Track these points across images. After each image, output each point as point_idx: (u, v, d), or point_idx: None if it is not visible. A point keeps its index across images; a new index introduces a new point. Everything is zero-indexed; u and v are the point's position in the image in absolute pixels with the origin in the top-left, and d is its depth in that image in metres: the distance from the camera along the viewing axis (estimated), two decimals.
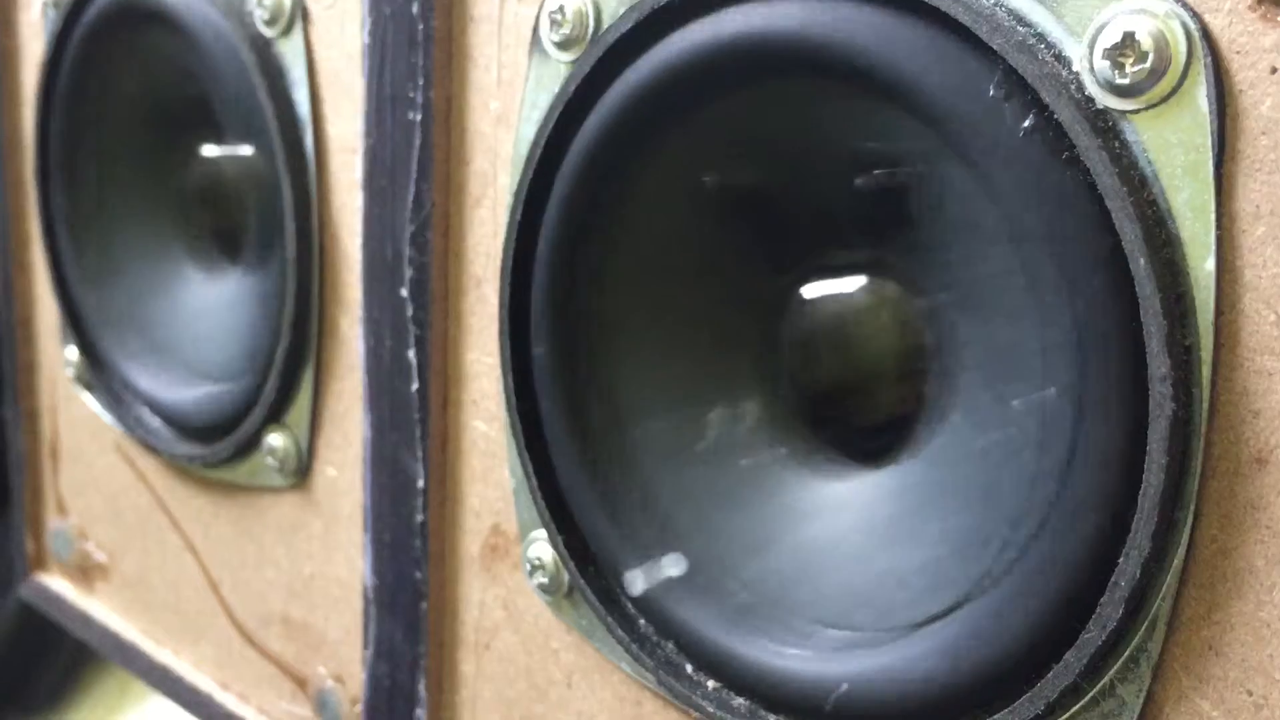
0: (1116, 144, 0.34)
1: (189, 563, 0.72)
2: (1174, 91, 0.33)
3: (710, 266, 0.46)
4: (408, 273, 0.54)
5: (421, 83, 0.52)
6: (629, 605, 0.49)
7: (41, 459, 0.82)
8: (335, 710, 0.64)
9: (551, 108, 0.47)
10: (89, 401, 0.75)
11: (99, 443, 0.77)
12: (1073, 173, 0.35)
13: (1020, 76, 0.35)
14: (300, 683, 0.66)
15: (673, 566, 0.47)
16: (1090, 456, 0.36)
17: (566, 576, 0.51)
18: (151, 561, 0.75)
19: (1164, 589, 0.35)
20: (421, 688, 0.58)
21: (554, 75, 0.47)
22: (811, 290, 0.45)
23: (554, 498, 0.50)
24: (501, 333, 0.50)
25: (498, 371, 0.52)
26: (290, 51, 0.58)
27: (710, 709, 0.46)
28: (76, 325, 0.73)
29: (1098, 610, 0.35)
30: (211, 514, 0.70)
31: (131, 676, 0.79)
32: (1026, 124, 0.35)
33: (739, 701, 0.46)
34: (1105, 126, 0.34)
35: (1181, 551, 0.35)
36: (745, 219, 0.45)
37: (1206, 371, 0.34)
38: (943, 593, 0.41)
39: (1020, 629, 0.38)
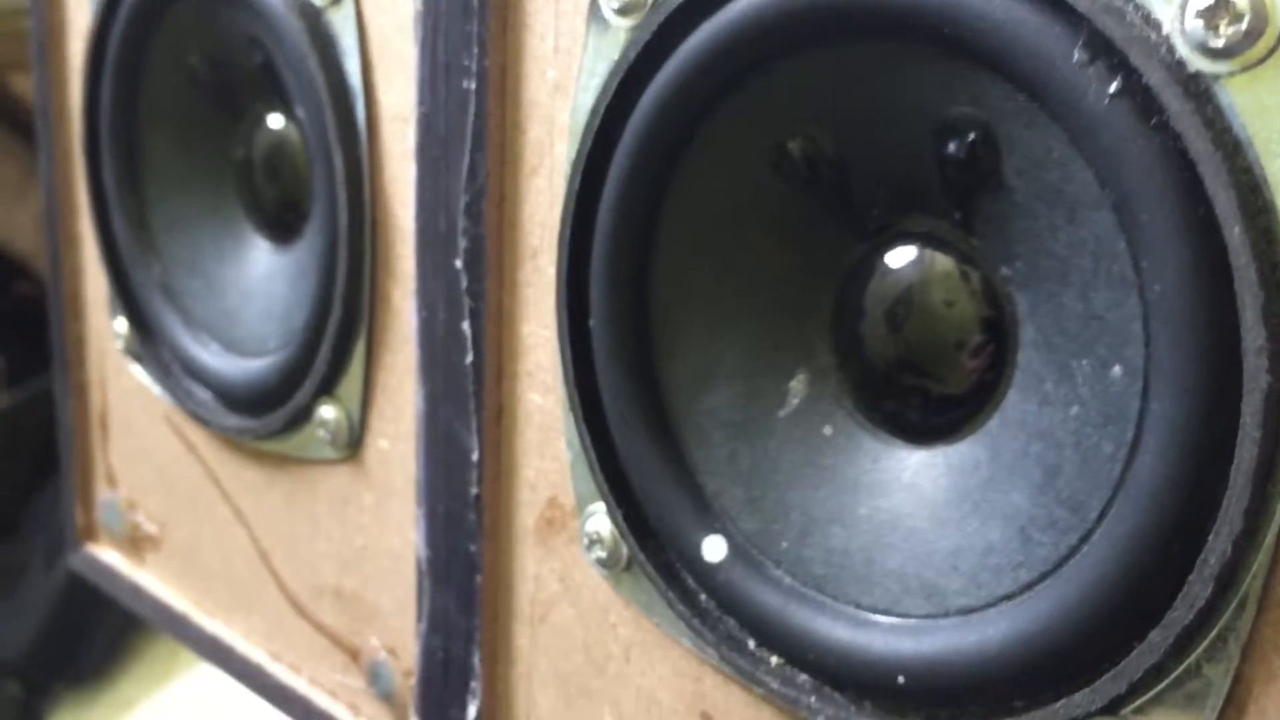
0: (1209, 108, 0.33)
1: (239, 534, 0.72)
2: (1271, 53, 0.32)
3: (778, 235, 0.45)
4: (462, 244, 0.53)
5: (476, 51, 0.51)
6: (689, 579, 0.48)
7: (91, 431, 0.82)
8: (389, 682, 0.64)
9: (611, 76, 0.46)
10: (138, 373, 0.75)
11: (148, 414, 0.77)
12: (1162, 139, 0.34)
13: (1107, 39, 0.34)
14: (353, 654, 0.66)
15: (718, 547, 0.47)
16: (1170, 431, 0.35)
17: (625, 550, 0.50)
18: (202, 533, 0.75)
19: (1255, 566, 0.34)
20: (476, 660, 0.58)
21: (613, 43, 0.46)
22: (886, 259, 0.43)
23: (613, 470, 0.49)
24: (559, 304, 0.49)
25: (554, 343, 0.52)
26: (340, 20, 0.57)
27: (774, 685, 0.45)
28: (126, 297, 0.73)
29: (1185, 588, 0.35)
30: (262, 486, 0.70)
31: (180, 646, 0.79)
32: (1113, 88, 0.34)
33: (803, 678, 0.45)
34: (1197, 90, 0.33)
35: (1274, 528, 0.34)
36: (818, 185, 0.44)
37: None
38: (1014, 572, 0.40)
39: (1096, 609, 0.37)
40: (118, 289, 0.73)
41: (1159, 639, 0.35)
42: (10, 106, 1.45)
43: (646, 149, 0.45)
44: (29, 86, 0.85)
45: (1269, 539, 0.34)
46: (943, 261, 0.43)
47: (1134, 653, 0.36)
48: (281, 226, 0.68)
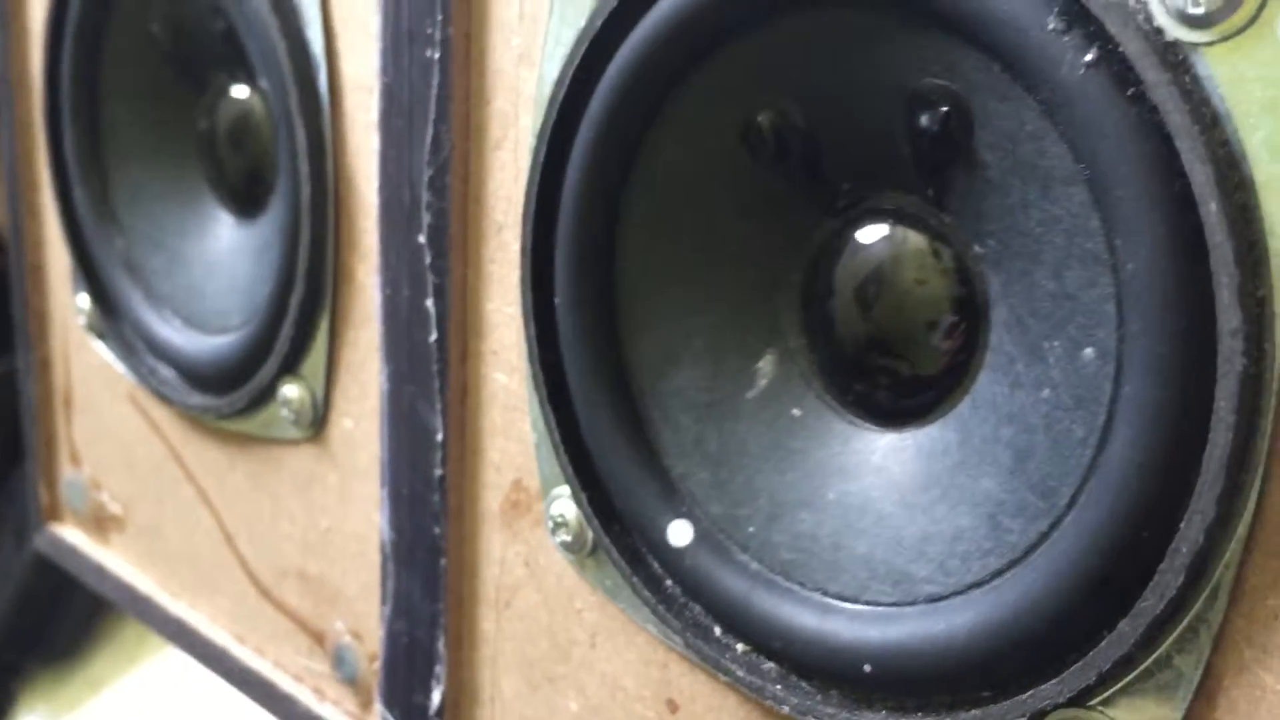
0: (1187, 79, 0.32)
1: (204, 515, 0.71)
2: (1251, 21, 0.31)
3: (747, 211, 0.44)
4: (425, 219, 0.52)
5: (440, 19, 0.49)
6: (655, 565, 0.47)
7: (54, 408, 0.81)
8: (353, 666, 0.63)
9: (577, 44, 0.44)
10: (101, 350, 0.74)
11: (112, 392, 0.76)
12: (1139, 110, 0.32)
13: (1082, 6, 0.33)
14: (317, 638, 0.65)
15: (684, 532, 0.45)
16: (1140, 417, 0.33)
17: (590, 534, 0.49)
18: (166, 513, 0.74)
19: (1228, 556, 0.33)
20: (441, 645, 0.56)
21: (579, 10, 0.45)
22: (857, 236, 0.42)
23: (578, 453, 0.48)
24: (523, 281, 0.48)
25: (519, 322, 0.50)
26: None
27: (740, 673, 0.44)
28: (88, 272, 0.72)
29: (1156, 577, 0.34)
30: (226, 466, 0.68)
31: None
32: (1089, 57, 0.33)
33: (769, 665, 0.44)
34: (1175, 60, 0.32)
35: (1248, 517, 0.33)
36: (787, 160, 0.42)
37: None
38: (983, 559, 0.39)
39: (1066, 597, 0.36)
40: (80, 264, 0.72)
41: (1129, 629, 0.34)
42: None
43: (612, 122, 0.44)
44: None
45: (1241, 528, 0.33)
46: (914, 239, 0.42)
47: (1103, 643, 0.35)
48: (245, 200, 0.67)
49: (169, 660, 1.28)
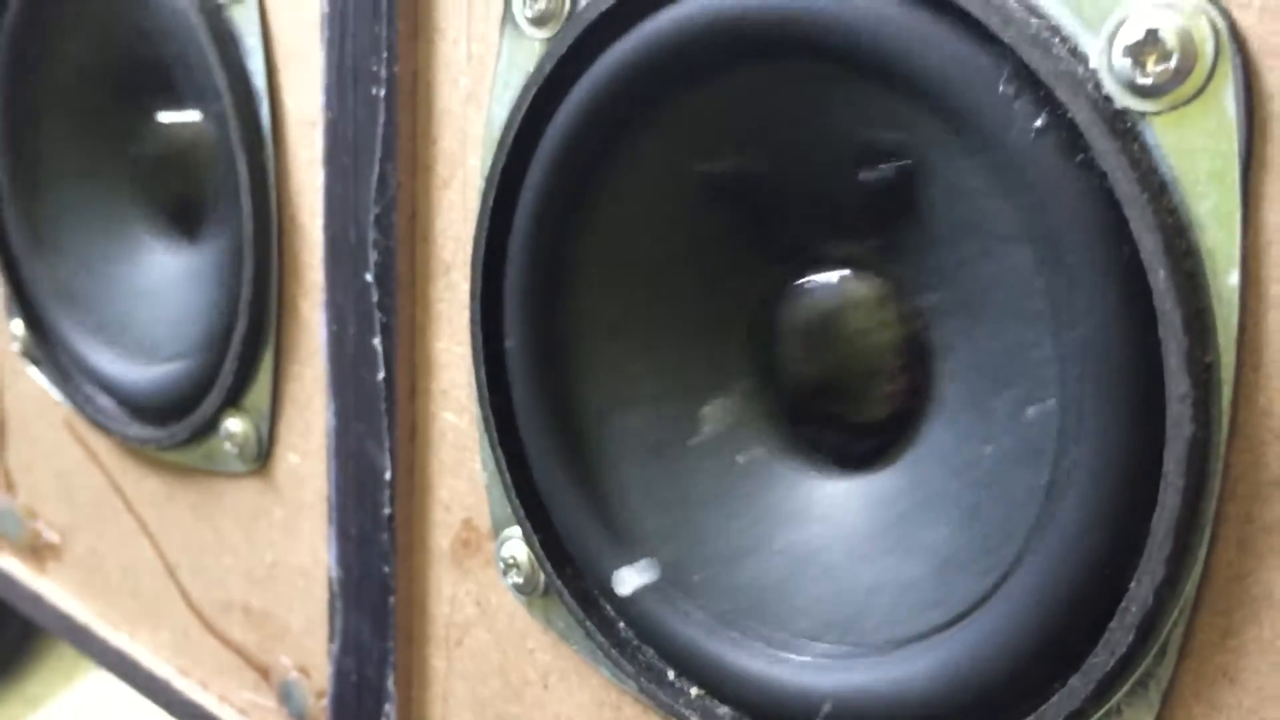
0: (1136, 147, 0.32)
1: (144, 546, 0.69)
2: (1199, 93, 0.31)
3: (696, 256, 0.44)
4: (372, 256, 0.51)
5: (385, 56, 0.49)
6: (608, 608, 0.47)
7: None
8: (301, 702, 0.62)
9: (526, 87, 0.44)
10: (36, 377, 0.72)
11: (47, 419, 0.74)
12: (1088, 176, 0.33)
13: (1033, 72, 0.33)
14: (263, 672, 0.64)
15: (647, 571, 0.45)
16: (1090, 476, 0.34)
17: (542, 576, 0.49)
18: (105, 543, 0.72)
19: (1176, 614, 0.34)
20: (390, 683, 0.56)
21: (528, 53, 0.45)
22: (807, 283, 0.42)
23: (529, 495, 0.48)
24: (473, 323, 0.47)
25: (468, 361, 0.50)
26: (243, 18, 0.54)
27: (693, 718, 0.44)
28: (21, 298, 0.70)
29: (1106, 635, 0.34)
30: (166, 497, 0.67)
31: None
32: (1039, 123, 0.33)
33: (723, 710, 0.44)
34: (1124, 128, 0.32)
35: (1196, 576, 0.33)
36: (736, 207, 0.42)
37: (1227, 391, 0.32)
38: (932, 610, 0.39)
39: (1016, 651, 0.36)
40: (12, 289, 0.70)
41: (1080, 684, 0.35)
42: None
43: (562, 165, 0.44)
44: None
45: (1190, 588, 0.33)
46: (862, 288, 0.42)
47: (1055, 697, 0.35)
48: (184, 226, 0.65)
49: (106, 678, 1.26)
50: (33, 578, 0.78)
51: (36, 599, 0.77)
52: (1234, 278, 0.31)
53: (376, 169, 0.50)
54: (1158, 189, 0.32)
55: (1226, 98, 0.31)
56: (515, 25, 0.45)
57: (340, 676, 0.58)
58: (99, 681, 1.27)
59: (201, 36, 0.54)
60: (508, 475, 0.48)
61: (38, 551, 0.78)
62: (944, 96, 0.35)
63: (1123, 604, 0.34)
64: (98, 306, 0.67)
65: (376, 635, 0.56)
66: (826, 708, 0.41)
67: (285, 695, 0.63)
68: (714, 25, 0.39)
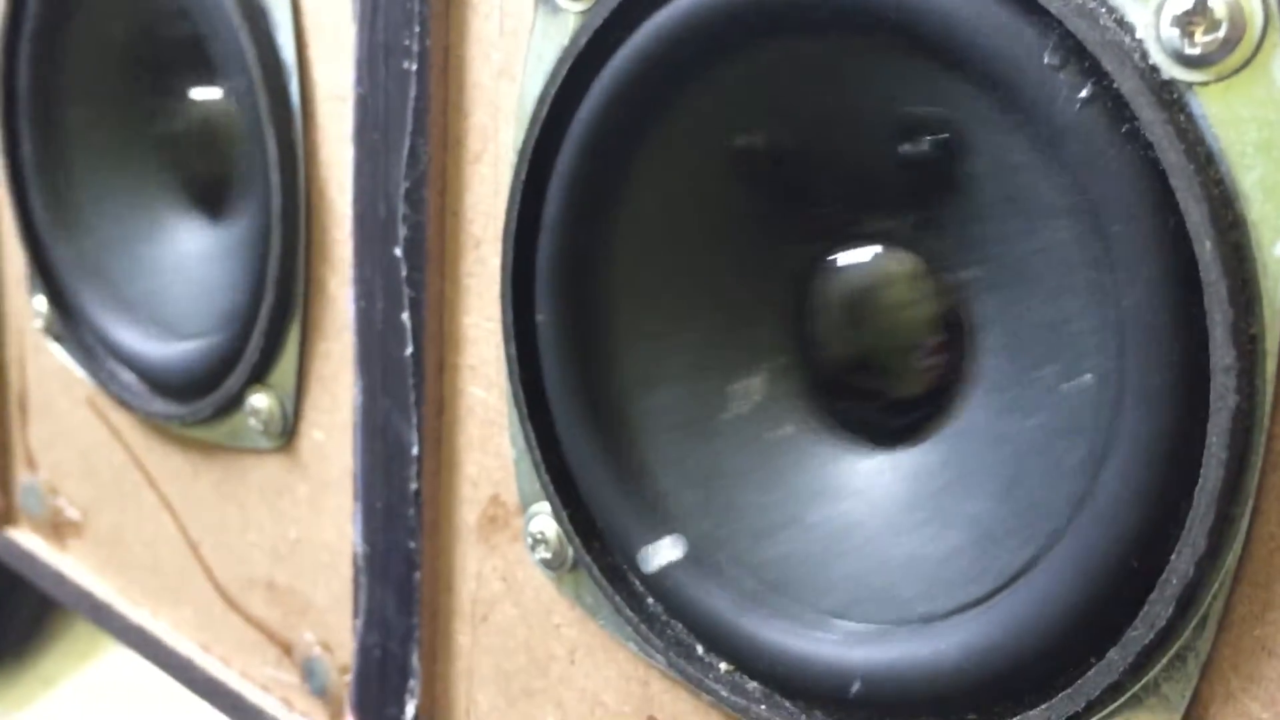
0: (1182, 117, 0.32)
1: (166, 522, 0.70)
2: (1247, 63, 0.31)
3: (732, 231, 0.44)
4: (402, 231, 0.51)
5: (418, 30, 0.48)
6: (637, 583, 0.47)
7: (9, 412, 0.79)
8: (323, 678, 0.62)
9: (560, 61, 0.44)
10: (58, 354, 0.72)
11: (70, 396, 0.74)
12: (1134, 147, 0.33)
13: (1079, 42, 0.33)
14: (286, 648, 0.64)
15: (675, 547, 0.45)
16: (1132, 448, 0.34)
17: (570, 552, 0.49)
18: (127, 520, 0.72)
19: (1216, 586, 0.33)
20: (415, 658, 0.56)
21: (562, 27, 0.45)
22: (843, 258, 0.42)
23: (558, 470, 0.48)
24: (504, 298, 0.47)
25: (497, 336, 0.50)
26: None
27: (723, 692, 0.44)
28: (46, 275, 0.70)
29: (1146, 607, 0.34)
30: (190, 473, 0.67)
31: None
32: (1084, 93, 0.33)
33: (753, 685, 0.44)
34: (1170, 99, 0.32)
35: (1237, 549, 0.33)
36: (773, 182, 0.42)
37: (1272, 364, 0.32)
38: (970, 584, 0.39)
39: (1055, 624, 0.36)
40: (36, 266, 0.70)
41: (1118, 657, 0.35)
42: None
43: (596, 140, 0.43)
44: None
45: (1230, 560, 0.33)
46: (902, 262, 0.42)
47: (1092, 670, 0.35)
48: (211, 203, 0.65)
49: (121, 658, 1.26)
50: (54, 555, 0.79)
51: (58, 576, 0.78)
52: None
53: (407, 143, 0.50)
54: (1204, 160, 0.32)
55: (1275, 68, 0.31)
56: (550, 0, 0.45)
57: (364, 652, 0.58)
58: (113, 662, 1.27)
59: (231, 12, 0.54)
60: (537, 450, 0.48)
61: (59, 528, 0.78)
62: (987, 67, 0.35)
63: (1163, 576, 0.33)
64: (124, 283, 0.67)
65: (401, 610, 0.56)
66: (857, 686, 0.41)
67: (308, 671, 0.63)
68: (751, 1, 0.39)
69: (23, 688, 1.28)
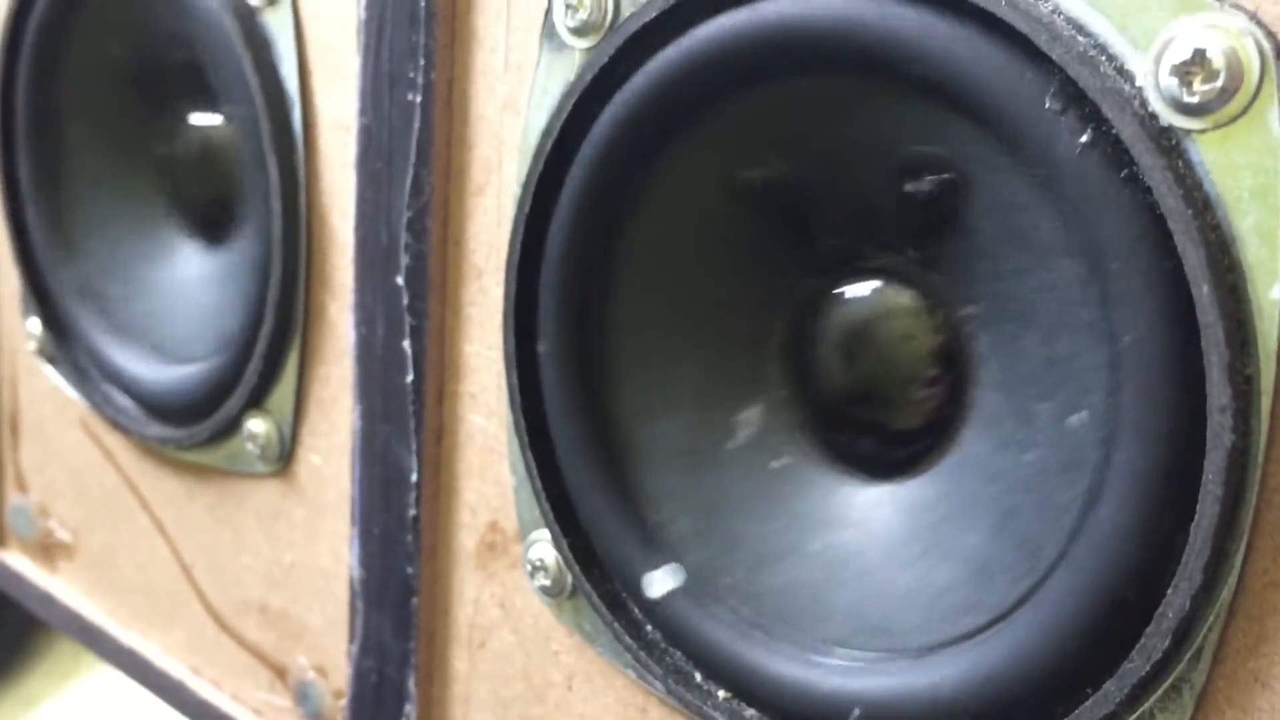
0: (1180, 163, 0.33)
1: (159, 545, 0.70)
2: (1244, 112, 0.32)
3: (734, 264, 0.45)
4: (404, 260, 0.52)
5: (422, 63, 0.49)
6: (636, 611, 0.47)
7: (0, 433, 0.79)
8: (317, 702, 0.62)
9: (565, 96, 0.45)
10: (51, 375, 0.72)
11: (62, 418, 0.74)
12: (1132, 191, 0.33)
13: (1079, 89, 0.34)
14: (279, 672, 0.64)
15: (677, 574, 0.46)
16: (1129, 484, 0.35)
17: (570, 579, 0.49)
18: (119, 542, 0.72)
19: (1211, 620, 0.34)
20: (411, 683, 0.56)
21: (568, 63, 0.45)
22: (845, 292, 0.43)
23: (558, 498, 0.48)
24: (506, 327, 0.48)
25: (498, 365, 0.50)
26: (277, 22, 0.55)
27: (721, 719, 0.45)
28: (40, 297, 0.70)
29: (1142, 640, 0.35)
30: (184, 497, 0.67)
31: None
32: (1084, 139, 0.34)
33: (751, 713, 0.45)
34: (1169, 145, 0.33)
35: (1232, 583, 0.34)
36: (775, 217, 0.43)
37: (1267, 402, 0.33)
38: (968, 615, 0.40)
39: (1051, 655, 0.37)
40: (31, 289, 0.70)
41: (1115, 689, 0.35)
42: None
43: (601, 174, 0.44)
44: None
45: (1225, 594, 0.34)
46: (901, 297, 0.43)
47: (1089, 701, 0.36)
48: (209, 228, 0.66)
49: (104, 678, 1.25)
50: (43, 576, 0.78)
51: (47, 597, 0.77)
52: (1275, 292, 0.32)
53: (410, 173, 0.51)
54: (1201, 205, 0.33)
55: (1271, 117, 0.32)
56: (555, 35, 0.45)
57: (360, 676, 0.58)
58: (97, 682, 1.26)
59: (234, 40, 0.55)
60: (538, 478, 0.48)
61: (49, 550, 0.78)
62: (991, 111, 0.35)
63: (1159, 610, 0.34)
64: (121, 306, 0.67)
65: (398, 636, 0.56)
66: (856, 713, 0.41)
67: (301, 695, 0.63)
68: (752, 38, 0.40)
69: (6, 708, 1.27)
